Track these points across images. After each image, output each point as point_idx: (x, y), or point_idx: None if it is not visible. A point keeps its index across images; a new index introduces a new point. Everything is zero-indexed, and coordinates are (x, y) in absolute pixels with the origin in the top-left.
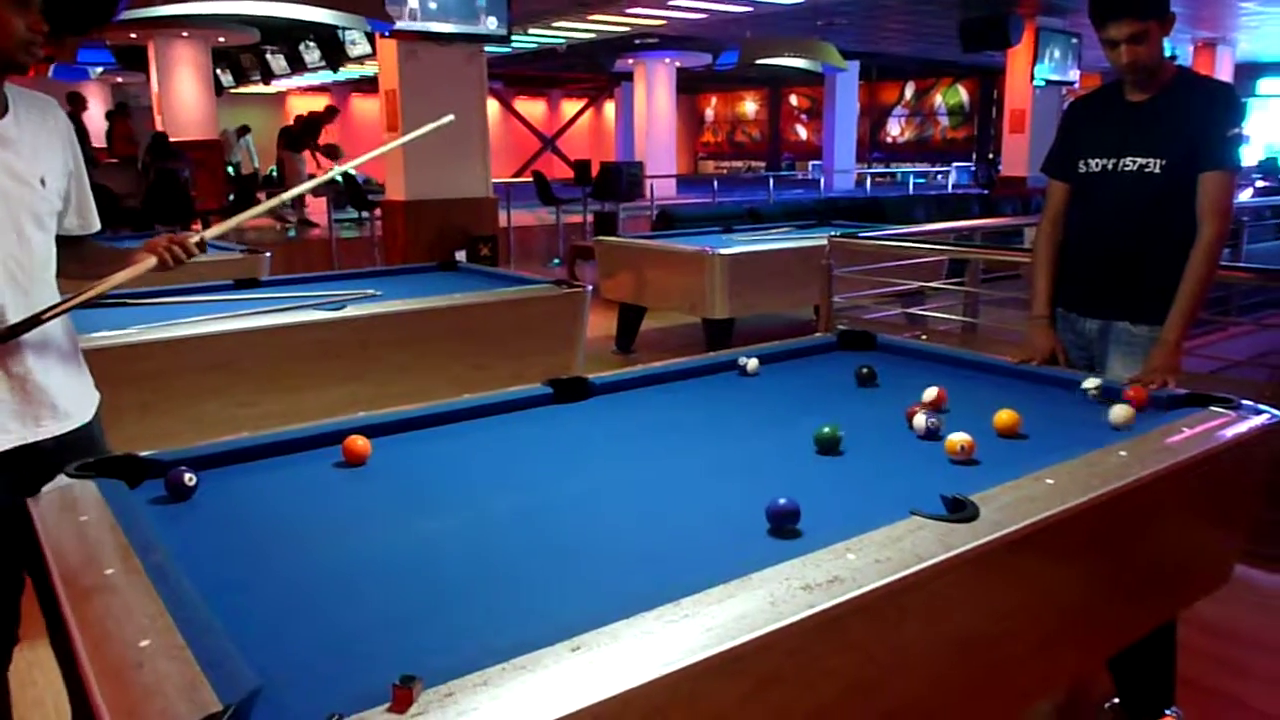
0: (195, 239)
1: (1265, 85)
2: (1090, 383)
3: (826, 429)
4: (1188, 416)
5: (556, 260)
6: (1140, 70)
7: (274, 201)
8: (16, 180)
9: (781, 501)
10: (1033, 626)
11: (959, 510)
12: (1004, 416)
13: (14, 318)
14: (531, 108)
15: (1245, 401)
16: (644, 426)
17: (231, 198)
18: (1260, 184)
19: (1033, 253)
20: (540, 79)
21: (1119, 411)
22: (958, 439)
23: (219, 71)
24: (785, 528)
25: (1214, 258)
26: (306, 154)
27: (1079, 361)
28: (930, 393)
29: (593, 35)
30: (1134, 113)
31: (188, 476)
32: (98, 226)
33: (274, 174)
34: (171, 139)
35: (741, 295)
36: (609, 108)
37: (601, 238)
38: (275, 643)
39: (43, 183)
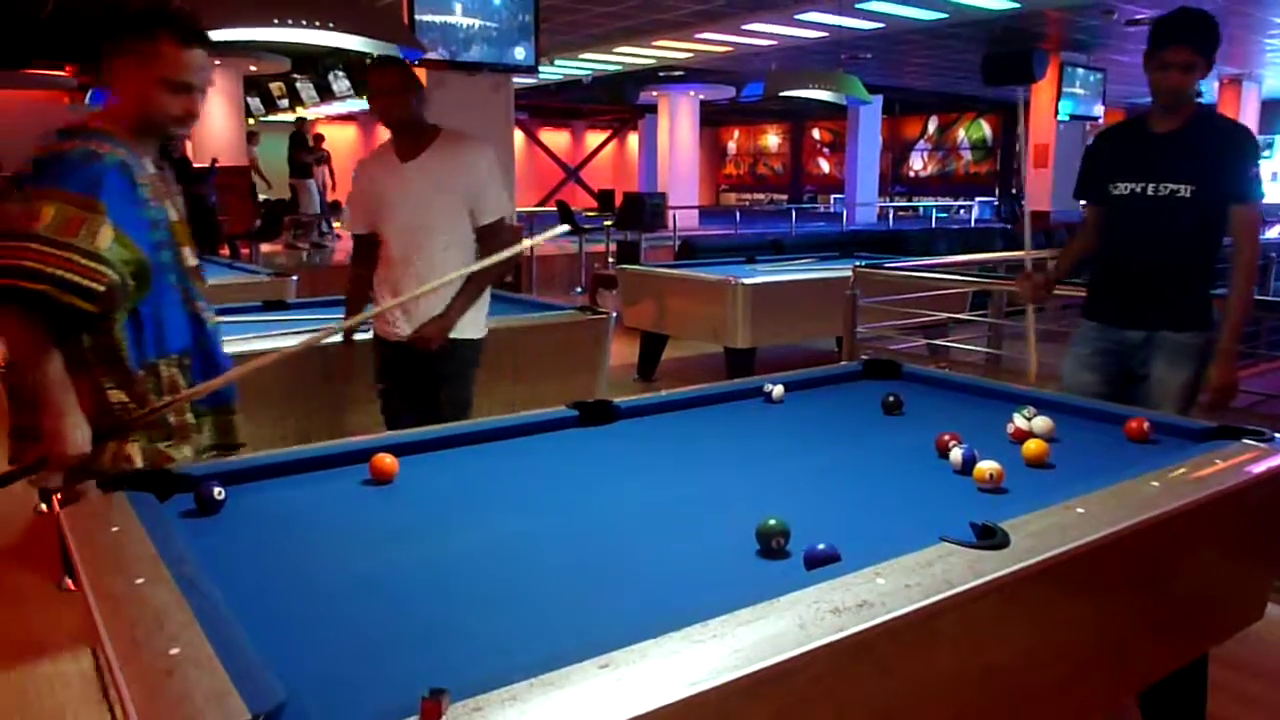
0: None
1: None
2: (1028, 411)
3: (772, 521)
4: (1221, 449)
5: (579, 289)
6: (1175, 97)
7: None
8: None
9: (820, 547)
10: (1062, 657)
11: (989, 537)
12: (1033, 446)
13: None
14: (555, 138)
15: (1279, 435)
16: (670, 450)
17: (259, 223)
18: None
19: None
20: (564, 110)
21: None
22: (987, 467)
23: (249, 99)
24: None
25: (1253, 275)
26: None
27: (1114, 369)
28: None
29: (619, 68)
30: (1161, 143)
31: (217, 490)
32: None
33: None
34: (198, 165)
35: (764, 325)
36: (632, 139)
37: (625, 266)
38: (303, 654)
39: None
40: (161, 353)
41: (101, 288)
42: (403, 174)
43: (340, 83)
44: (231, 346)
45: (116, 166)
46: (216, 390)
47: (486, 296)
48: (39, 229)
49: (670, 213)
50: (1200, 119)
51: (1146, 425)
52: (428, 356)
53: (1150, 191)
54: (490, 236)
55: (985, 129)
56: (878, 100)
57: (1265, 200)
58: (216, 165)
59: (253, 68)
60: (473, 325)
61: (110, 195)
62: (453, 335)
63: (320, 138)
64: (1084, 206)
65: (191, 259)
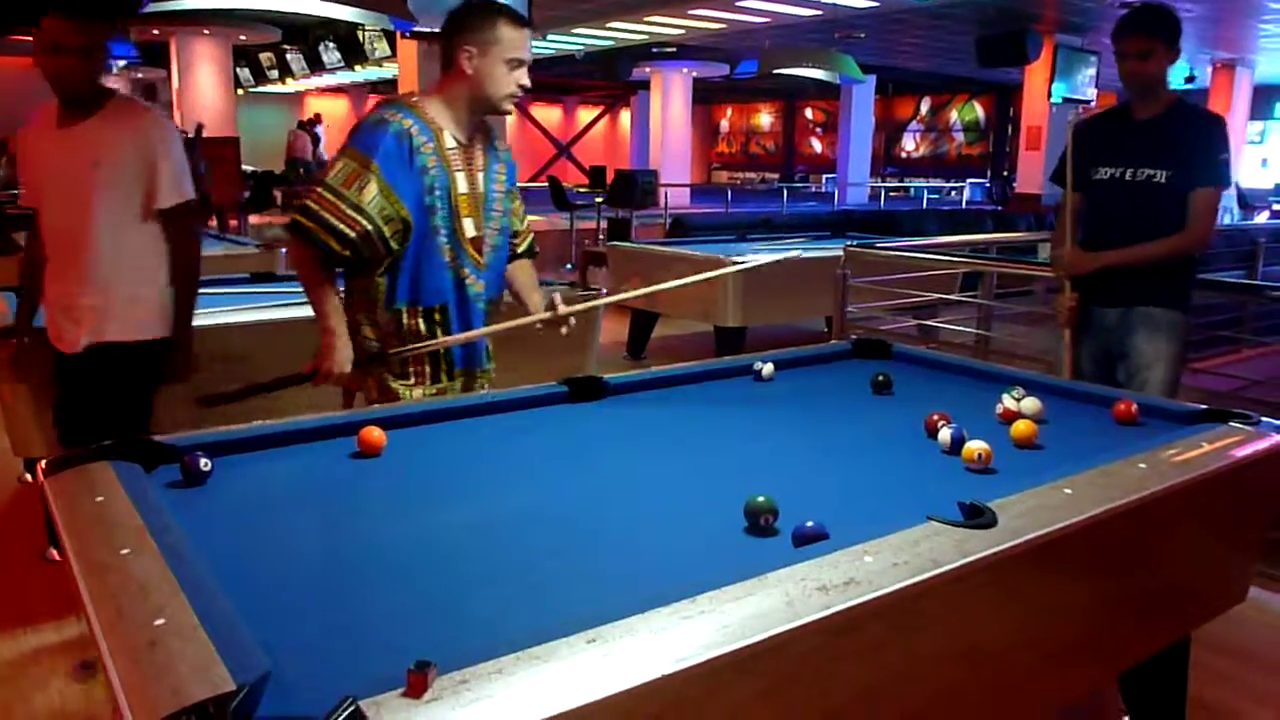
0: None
1: None
2: (1017, 392)
3: (761, 498)
4: (1207, 431)
5: (570, 266)
6: (1140, 83)
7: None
8: None
9: (809, 525)
10: (1046, 637)
11: (976, 517)
12: (1021, 427)
13: None
14: (547, 114)
15: (1265, 419)
16: (659, 426)
17: (247, 195)
18: (1277, 207)
19: (1059, 222)
20: (556, 85)
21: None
22: (975, 447)
23: (238, 69)
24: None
25: (1178, 249)
26: None
27: (1097, 349)
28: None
29: (611, 43)
30: (1141, 130)
31: (203, 461)
32: None
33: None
34: (187, 135)
35: (754, 304)
36: (624, 116)
37: (616, 243)
38: (289, 627)
39: None
40: (412, 303)
41: (353, 234)
42: (57, 143)
43: (331, 54)
44: (217, 319)
45: (396, 134)
46: (471, 354)
47: (165, 289)
48: (328, 178)
49: (661, 190)
50: (1177, 107)
51: (1134, 408)
52: (110, 366)
53: (1129, 177)
54: (172, 222)
55: (978, 111)
56: (871, 80)
57: (1256, 187)
58: (202, 129)
59: (242, 37)
60: (145, 324)
61: (385, 158)
62: (118, 338)
63: (318, 117)
64: (1062, 193)
65: (471, 230)
